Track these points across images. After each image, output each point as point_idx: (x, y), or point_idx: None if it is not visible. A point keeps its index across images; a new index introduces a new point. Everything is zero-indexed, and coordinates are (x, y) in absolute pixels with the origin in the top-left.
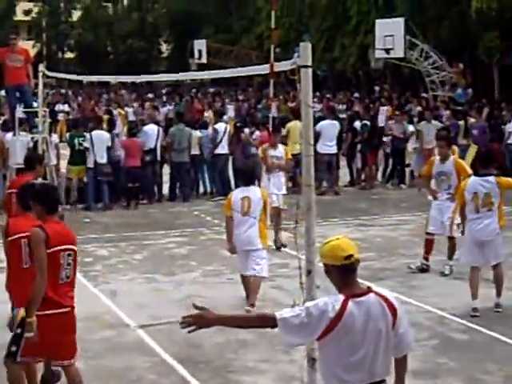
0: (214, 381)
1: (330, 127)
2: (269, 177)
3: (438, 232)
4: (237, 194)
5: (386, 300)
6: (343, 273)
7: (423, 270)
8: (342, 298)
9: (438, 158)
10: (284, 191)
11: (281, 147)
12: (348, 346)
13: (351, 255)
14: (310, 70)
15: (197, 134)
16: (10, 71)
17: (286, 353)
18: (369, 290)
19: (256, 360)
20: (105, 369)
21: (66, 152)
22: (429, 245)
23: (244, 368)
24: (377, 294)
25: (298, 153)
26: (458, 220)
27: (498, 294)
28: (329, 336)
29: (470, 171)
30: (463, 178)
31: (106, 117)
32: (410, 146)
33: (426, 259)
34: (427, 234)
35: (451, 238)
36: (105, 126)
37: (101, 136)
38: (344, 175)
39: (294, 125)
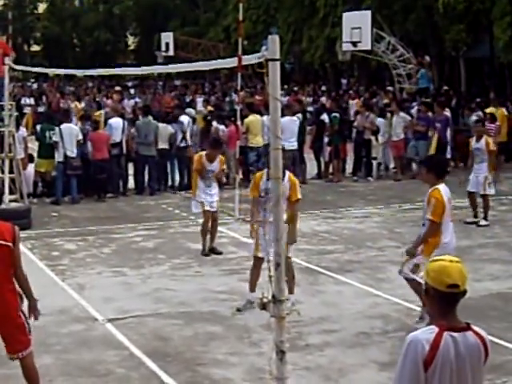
0: (184, 374)
1: (290, 123)
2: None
3: None
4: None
5: (483, 342)
6: (441, 301)
7: None
8: (435, 329)
9: None
10: (217, 197)
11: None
12: None
13: (457, 285)
14: (277, 64)
15: (168, 128)
16: None
17: (255, 345)
18: (468, 326)
19: (225, 353)
20: (73, 363)
21: (33, 146)
22: None
23: (213, 361)
24: (475, 333)
25: (259, 146)
26: None
27: None
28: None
29: None
30: None
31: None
32: (380, 139)
33: None
34: None
35: None
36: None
37: (70, 129)
38: (312, 168)
39: (252, 119)
